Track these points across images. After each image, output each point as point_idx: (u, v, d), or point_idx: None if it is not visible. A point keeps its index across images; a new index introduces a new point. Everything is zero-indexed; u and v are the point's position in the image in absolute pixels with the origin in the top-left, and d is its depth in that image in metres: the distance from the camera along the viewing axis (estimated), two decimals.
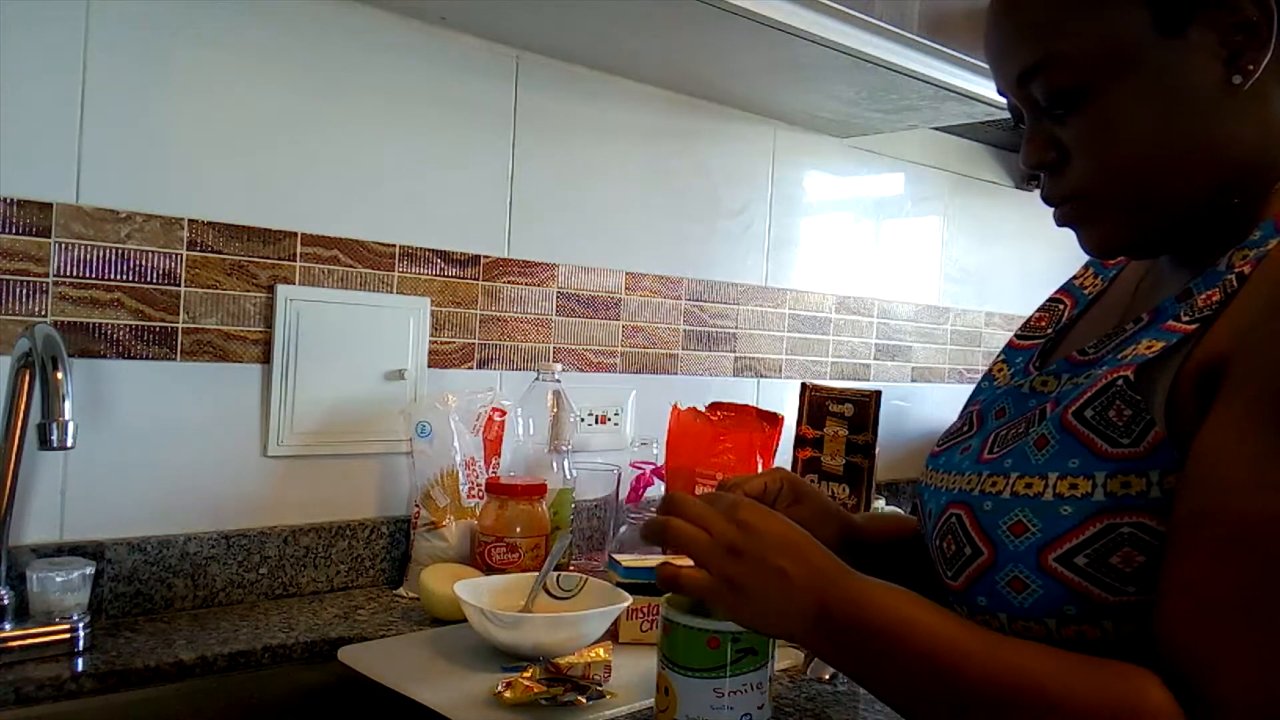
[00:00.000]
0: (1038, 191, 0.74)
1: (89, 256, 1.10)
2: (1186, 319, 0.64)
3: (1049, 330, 0.86)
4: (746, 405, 1.27)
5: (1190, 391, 0.62)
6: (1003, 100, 0.76)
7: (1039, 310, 0.90)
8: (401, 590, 1.29)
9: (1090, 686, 0.59)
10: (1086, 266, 0.89)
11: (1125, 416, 0.64)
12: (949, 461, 0.78)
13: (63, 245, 1.09)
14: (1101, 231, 0.71)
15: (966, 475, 0.73)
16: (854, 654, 0.67)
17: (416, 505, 1.31)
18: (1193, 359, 0.62)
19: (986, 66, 0.77)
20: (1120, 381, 0.64)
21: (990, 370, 0.88)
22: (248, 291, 1.22)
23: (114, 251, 1.12)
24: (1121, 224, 0.70)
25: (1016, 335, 0.88)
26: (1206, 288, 0.65)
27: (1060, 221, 0.73)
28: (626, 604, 1.07)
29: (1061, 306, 0.88)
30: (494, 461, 1.37)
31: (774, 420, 1.24)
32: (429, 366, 1.38)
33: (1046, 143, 0.70)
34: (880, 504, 1.60)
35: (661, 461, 1.50)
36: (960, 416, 0.86)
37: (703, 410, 1.28)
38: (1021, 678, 0.61)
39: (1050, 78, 0.67)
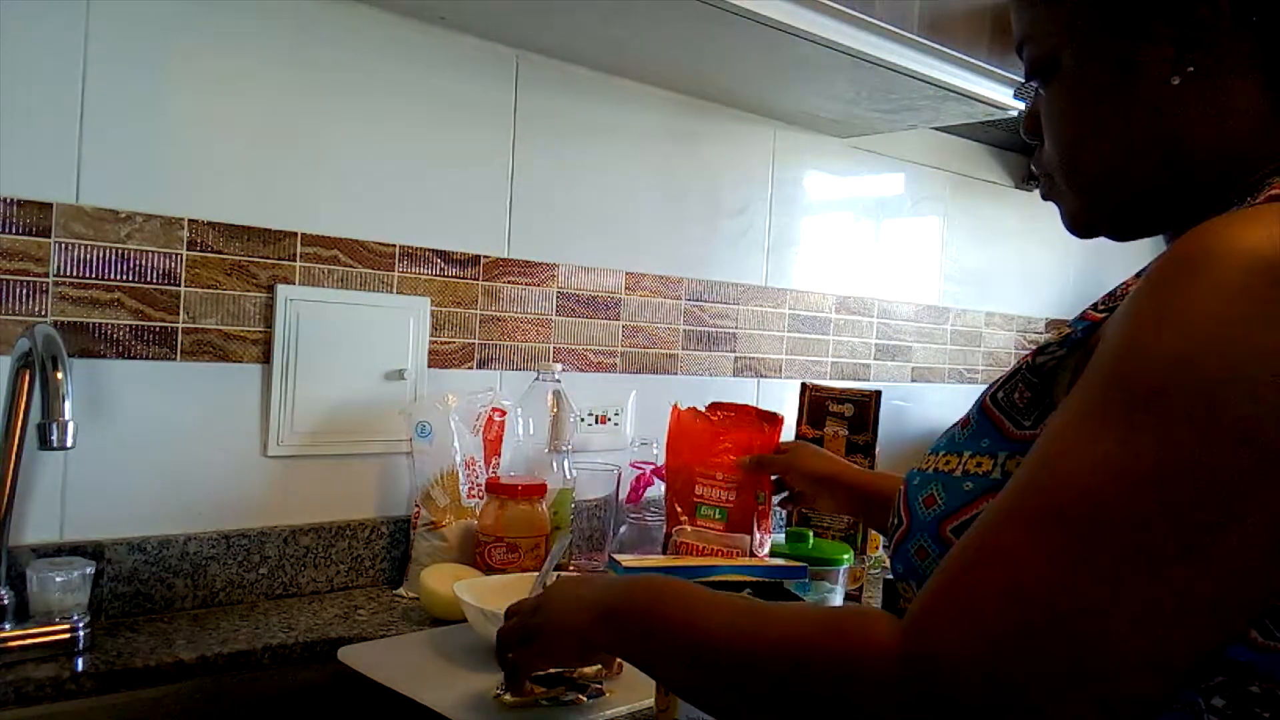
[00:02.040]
0: (1037, 191, 0.76)
1: (89, 256, 1.10)
2: (1102, 308, 0.67)
3: (1060, 352, 0.87)
4: (746, 405, 1.28)
5: (1078, 371, 0.62)
6: (1003, 100, 0.78)
7: (1056, 331, 0.92)
8: (401, 590, 1.29)
9: (821, 619, 0.60)
10: (1137, 275, 0.89)
11: (1025, 399, 0.66)
12: (931, 449, 0.82)
13: (63, 245, 1.09)
14: (1067, 207, 0.74)
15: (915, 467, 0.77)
16: (630, 641, 0.72)
17: (416, 505, 1.31)
18: (1090, 341, 0.64)
19: (987, 66, 0.79)
20: (1024, 366, 0.68)
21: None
22: (248, 291, 1.22)
23: (114, 251, 1.12)
24: (1082, 204, 0.73)
25: (1035, 360, 0.89)
26: (1135, 278, 0.67)
27: (1043, 196, 0.77)
28: None
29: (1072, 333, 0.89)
30: (494, 461, 1.37)
31: (774, 420, 1.25)
32: (429, 366, 1.38)
33: (1030, 114, 0.75)
34: None
35: (662, 461, 1.50)
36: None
37: (703, 410, 1.28)
38: (759, 629, 0.62)
39: (1028, 52, 0.72)
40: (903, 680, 0.53)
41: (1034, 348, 0.70)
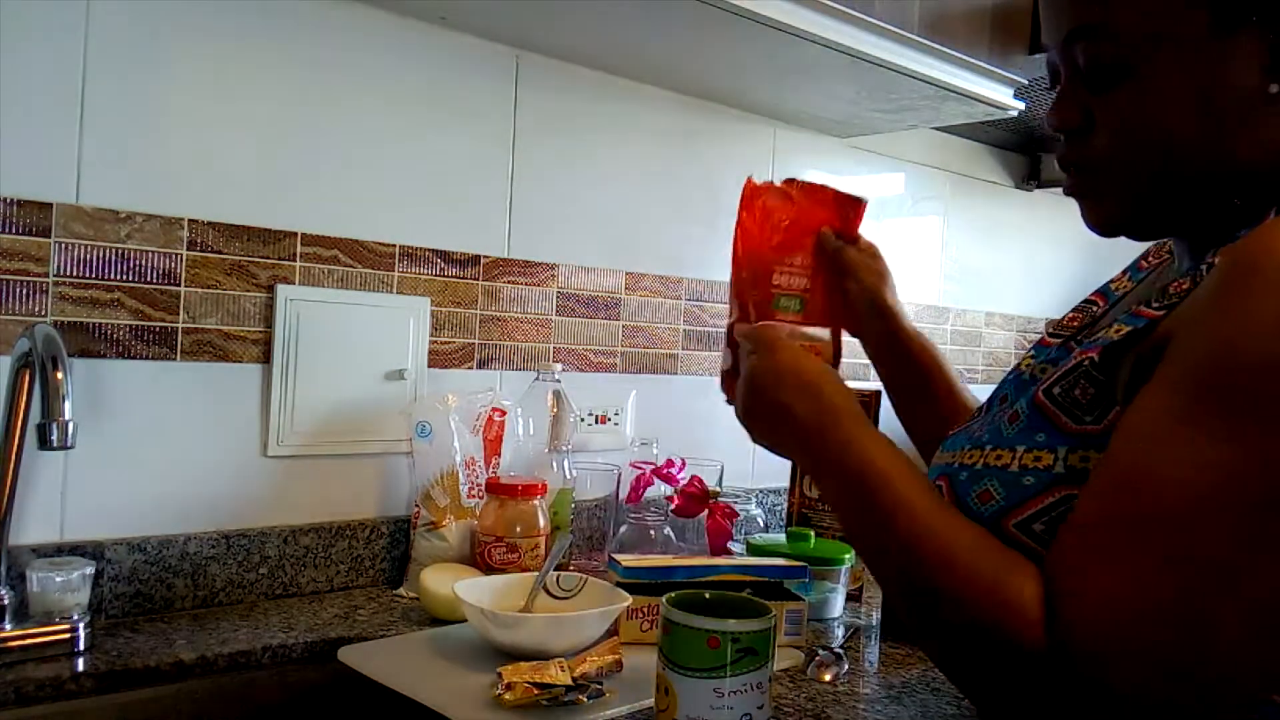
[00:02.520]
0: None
1: (89, 256, 1.10)
2: (1156, 305, 0.67)
3: (1077, 329, 0.87)
4: (825, 185, 1.09)
5: (1143, 368, 0.64)
6: (1003, 100, 0.77)
7: (1073, 310, 0.91)
8: (401, 590, 1.29)
9: (985, 563, 0.64)
10: (1124, 271, 0.90)
11: (1089, 395, 0.67)
12: (951, 442, 0.82)
13: (63, 245, 1.09)
14: (1105, 208, 0.73)
15: (954, 451, 0.77)
16: (832, 489, 0.75)
17: (416, 505, 1.31)
18: (1149, 340, 0.64)
19: (987, 66, 0.78)
20: (1086, 362, 0.67)
21: (1018, 365, 0.89)
22: (248, 291, 1.22)
23: (114, 251, 1.12)
24: (1126, 203, 0.72)
25: (1048, 333, 0.90)
26: (1182, 277, 0.67)
27: (1068, 190, 0.75)
28: (626, 604, 1.07)
29: (1095, 308, 0.89)
30: (494, 461, 1.37)
31: (857, 206, 1.09)
32: (429, 366, 1.38)
33: (1075, 106, 0.71)
34: None
35: (662, 461, 1.50)
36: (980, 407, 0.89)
37: (779, 185, 1.07)
38: (940, 540, 0.66)
39: (1097, 46, 0.68)
40: (1046, 654, 0.59)
41: (1062, 336, 0.72)
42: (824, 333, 1.01)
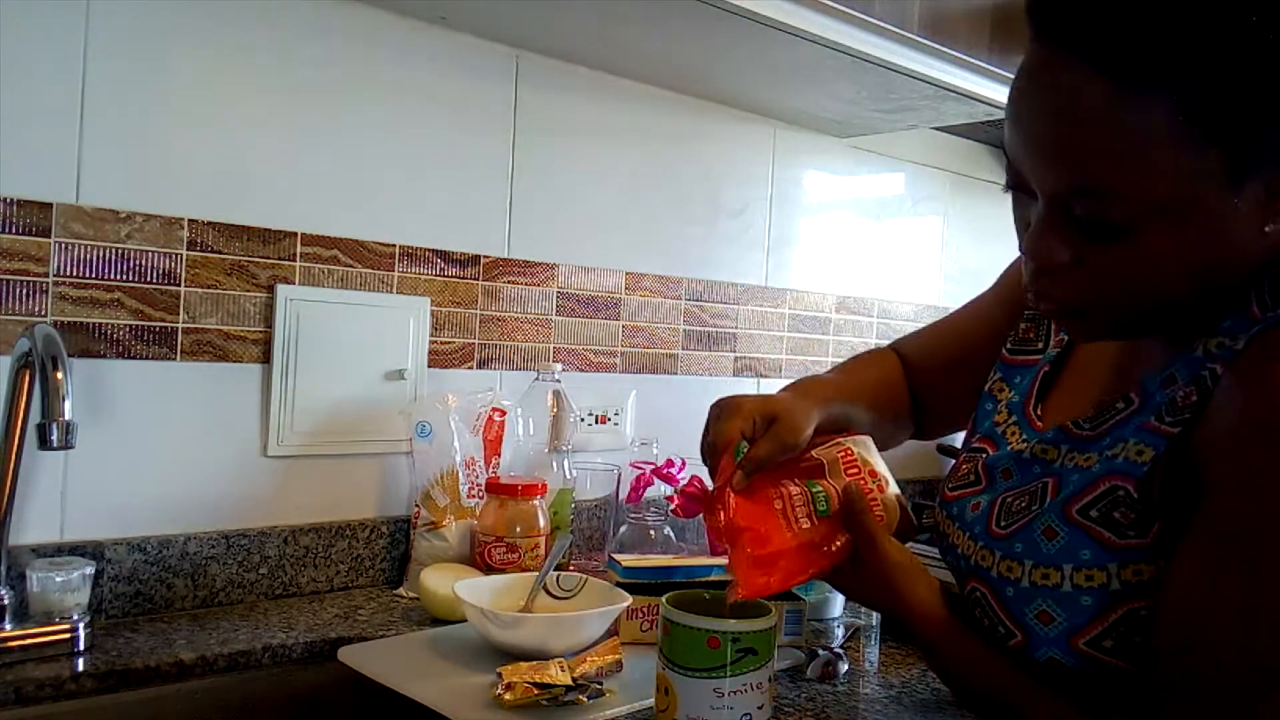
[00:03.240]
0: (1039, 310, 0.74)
1: (89, 256, 1.10)
2: (1170, 420, 0.67)
3: (1039, 344, 0.87)
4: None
5: (1178, 493, 0.66)
6: (1003, 99, 0.76)
7: (1024, 321, 0.91)
8: (401, 590, 1.29)
9: None
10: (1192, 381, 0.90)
11: (1130, 518, 0.68)
12: (961, 516, 0.82)
13: (63, 245, 1.09)
14: (1083, 332, 0.74)
15: (980, 548, 0.78)
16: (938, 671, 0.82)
17: (416, 505, 1.31)
18: (1178, 463, 0.66)
19: (987, 66, 0.76)
20: (1122, 493, 0.68)
21: (990, 389, 0.89)
22: (248, 291, 1.22)
23: (114, 251, 1.12)
24: (1106, 332, 0.73)
25: (1007, 348, 0.89)
26: (1186, 379, 0.68)
27: (1038, 303, 0.71)
28: (626, 604, 1.07)
29: (1048, 320, 0.89)
30: (494, 461, 1.37)
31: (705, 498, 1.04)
32: (429, 366, 1.38)
33: (1063, 245, 0.66)
34: None
35: (662, 461, 1.50)
36: (965, 452, 0.88)
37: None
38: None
39: (1103, 208, 0.63)
40: None
41: (1114, 463, 0.70)
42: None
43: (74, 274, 1.10)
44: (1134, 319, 0.69)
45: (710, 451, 0.86)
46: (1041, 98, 0.64)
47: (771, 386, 1.84)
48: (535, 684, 0.91)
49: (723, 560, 1.22)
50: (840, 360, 1.95)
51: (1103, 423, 0.73)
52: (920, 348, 1.05)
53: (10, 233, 1.05)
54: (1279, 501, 0.60)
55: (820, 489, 0.83)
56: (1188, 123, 0.59)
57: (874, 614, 1.32)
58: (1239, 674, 0.60)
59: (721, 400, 0.89)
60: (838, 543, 0.81)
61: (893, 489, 0.86)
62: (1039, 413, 0.82)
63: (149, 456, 1.15)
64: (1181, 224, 0.62)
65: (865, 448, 0.89)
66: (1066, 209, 0.65)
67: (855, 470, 0.86)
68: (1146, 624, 0.67)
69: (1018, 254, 0.72)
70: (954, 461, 0.92)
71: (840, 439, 0.90)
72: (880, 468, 0.87)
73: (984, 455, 0.84)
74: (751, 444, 0.84)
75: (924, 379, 1.02)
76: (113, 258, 1.12)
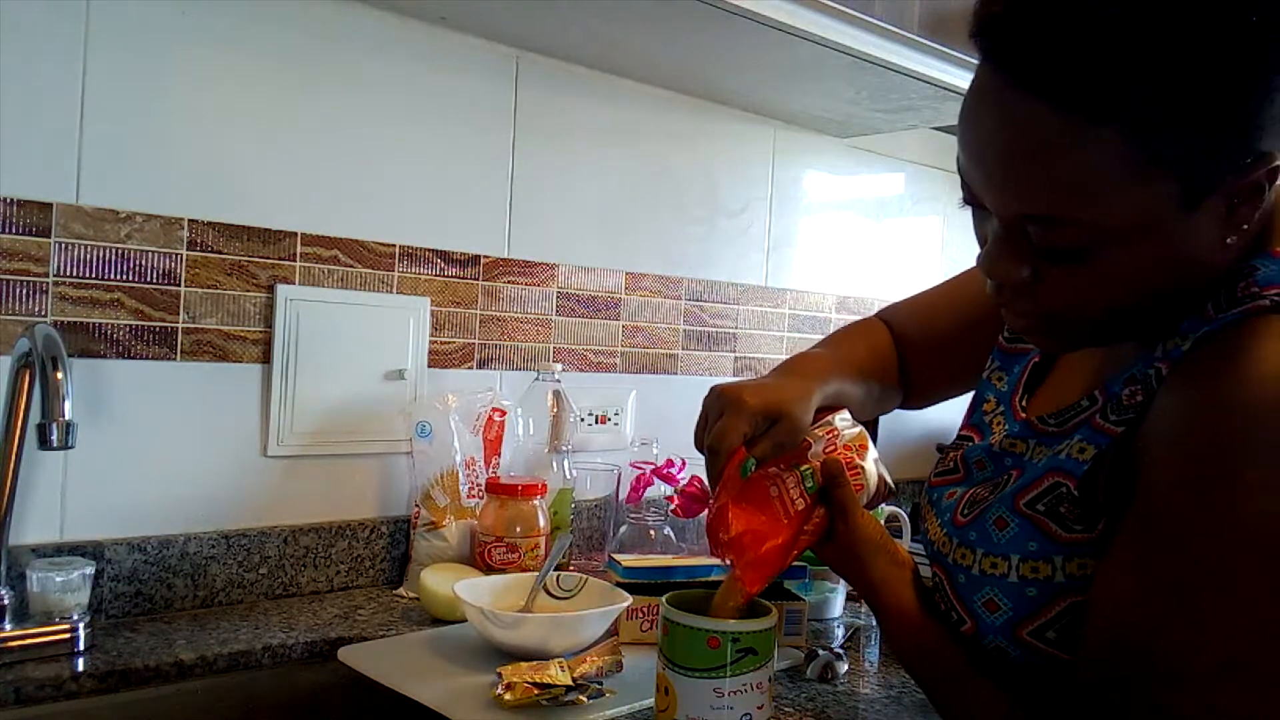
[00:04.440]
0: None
1: (89, 256, 1.10)
2: (1114, 418, 0.68)
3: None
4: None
5: (1120, 492, 0.66)
6: None
7: None
8: (401, 590, 1.29)
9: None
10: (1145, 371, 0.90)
11: (1075, 513, 0.69)
12: (939, 504, 0.84)
13: (63, 245, 1.09)
14: (1050, 344, 0.75)
15: (944, 535, 0.79)
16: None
17: (416, 505, 1.31)
18: (1118, 459, 0.66)
19: None
20: (1064, 489, 0.69)
21: (988, 376, 0.89)
22: (248, 291, 1.22)
23: (114, 251, 1.12)
24: (1076, 340, 0.73)
25: (1004, 336, 0.89)
26: (1131, 384, 0.68)
27: (1004, 315, 0.72)
28: (626, 604, 1.07)
29: None
30: (494, 461, 1.37)
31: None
32: (429, 366, 1.38)
33: (1020, 262, 0.66)
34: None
35: (662, 461, 1.50)
36: (955, 439, 0.89)
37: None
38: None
39: (1059, 234, 0.63)
40: None
41: (1058, 461, 0.71)
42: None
43: (74, 274, 1.10)
44: (1099, 332, 0.69)
45: (711, 453, 0.85)
46: (992, 126, 0.63)
47: None
48: (535, 684, 0.91)
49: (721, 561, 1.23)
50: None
51: (1067, 420, 0.74)
52: (910, 317, 1.04)
53: (10, 233, 1.06)
54: (1206, 500, 0.59)
55: (807, 467, 0.85)
56: (1140, 152, 0.59)
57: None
58: (1150, 663, 0.60)
59: (722, 392, 0.88)
60: (818, 516, 0.83)
61: (871, 455, 0.88)
62: (1024, 405, 0.83)
63: (149, 456, 1.15)
64: (1138, 246, 0.62)
65: (846, 421, 0.91)
66: (1022, 231, 0.64)
67: (832, 447, 0.87)
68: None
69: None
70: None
71: (827, 418, 0.90)
72: (855, 436, 0.88)
73: (966, 445, 0.86)
74: (751, 442, 0.84)
75: (913, 349, 1.02)
76: (113, 258, 1.12)
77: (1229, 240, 0.63)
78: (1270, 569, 0.57)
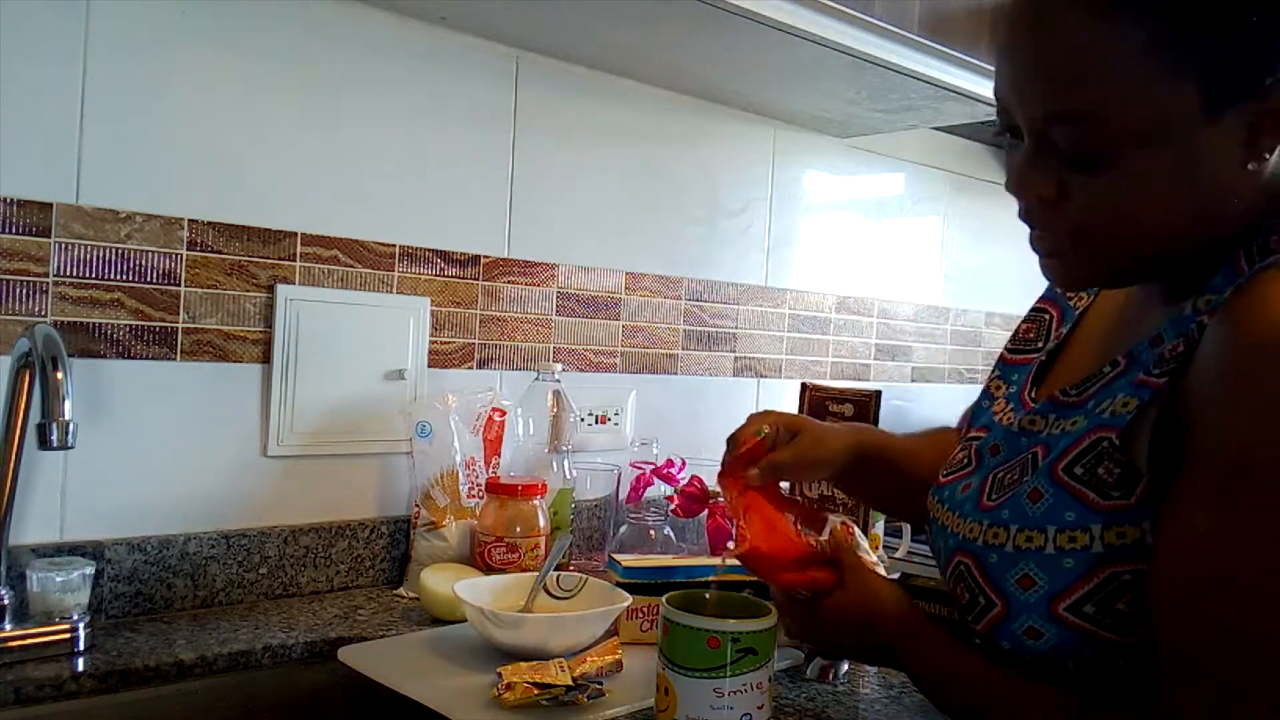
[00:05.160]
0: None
1: (89, 256, 1.10)
2: (1157, 372, 0.67)
3: (1039, 344, 0.87)
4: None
5: (1166, 446, 0.65)
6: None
7: (1025, 321, 0.91)
8: (401, 590, 1.29)
9: None
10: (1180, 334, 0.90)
11: (1115, 474, 0.67)
12: (952, 499, 0.82)
13: (63, 245, 1.09)
14: (1073, 271, 0.73)
15: (969, 522, 0.77)
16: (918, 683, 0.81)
17: (416, 505, 1.31)
18: (1166, 415, 0.65)
19: (987, 66, 0.78)
20: (1106, 443, 0.68)
21: (988, 387, 0.89)
22: (248, 291, 1.22)
23: (114, 251, 1.12)
24: (1099, 267, 0.72)
25: (1007, 349, 0.90)
26: (1174, 335, 0.67)
27: (1033, 245, 0.74)
28: (626, 604, 1.07)
29: (1047, 316, 0.89)
30: (494, 461, 1.37)
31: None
32: (429, 366, 1.38)
33: (1049, 179, 0.68)
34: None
35: (662, 461, 1.50)
36: (961, 443, 0.88)
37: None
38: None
39: (1083, 133, 0.65)
40: None
41: (1101, 418, 0.71)
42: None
43: (74, 274, 1.10)
44: (1124, 261, 0.69)
45: (728, 444, 0.89)
46: (1024, 21, 0.66)
47: (771, 386, 1.84)
48: (535, 684, 0.91)
49: (721, 561, 1.23)
50: (838, 360, 1.96)
51: (1089, 387, 0.73)
52: None
53: (10, 233, 1.06)
54: (1267, 427, 0.58)
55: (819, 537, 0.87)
56: (1163, 49, 0.61)
57: None
58: (1250, 640, 0.58)
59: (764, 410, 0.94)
60: (824, 572, 0.84)
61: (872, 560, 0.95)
62: (1033, 395, 0.82)
63: (149, 456, 1.15)
64: (1159, 154, 0.64)
65: (856, 535, 0.98)
66: (1049, 141, 0.66)
67: (848, 532, 0.92)
68: (1129, 588, 0.66)
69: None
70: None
71: (847, 520, 0.96)
72: (868, 552, 0.96)
73: (977, 441, 0.85)
74: (773, 448, 0.87)
75: None
76: (113, 258, 1.12)
77: (1250, 166, 0.64)
78: None
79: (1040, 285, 0.87)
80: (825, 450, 0.91)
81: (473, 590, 1.07)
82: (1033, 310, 0.91)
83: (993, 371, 0.90)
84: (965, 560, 0.76)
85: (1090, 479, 0.68)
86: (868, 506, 1.10)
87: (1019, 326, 0.91)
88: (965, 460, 0.85)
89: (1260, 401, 0.59)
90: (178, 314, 1.16)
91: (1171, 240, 0.67)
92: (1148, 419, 0.66)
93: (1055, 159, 0.67)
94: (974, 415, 0.90)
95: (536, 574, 1.13)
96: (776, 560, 0.82)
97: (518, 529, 1.25)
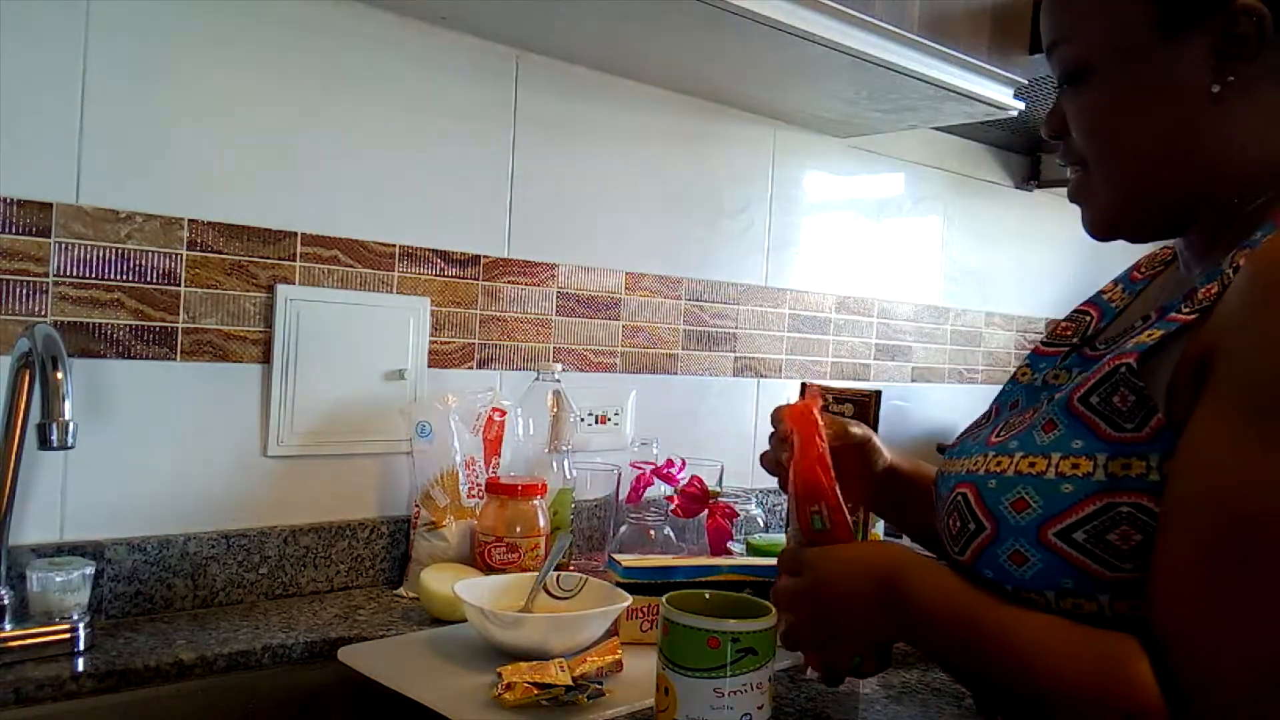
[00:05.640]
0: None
1: (89, 256, 1.10)
2: (1187, 310, 0.67)
3: (1074, 339, 0.88)
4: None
5: (1187, 379, 0.64)
6: (1003, 100, 0.81)
7: (1065, 320, 0.92)
8: (401, 590, 1.29)
9: (1083, 659, 0.64)
10: (1115, 282, 0.91)
11: (1129, 402, 0.67)
12: (962, 448, 0.83)
13: (63, 245, 1.09)
14: (1096, 210, 0.77)
15: (974, 457, 0.78)
16: (915, 638, 0.79)
17: (416, 505, 1.31)
18: (1189, 348, 0.65)
19: (987, 66, 0.83)
20: (1123, 368, 0.68)
21: (1015, 375, 0.90)
22: (248, 291, 1.22)
23: (114, 251, 1.12)
24: (1114, 205, 0.76)
25: (1042, 342, 0.91)
26: (1208, 282, 0.68)
27: (1070, 196, 0.79)
28: (626, 604, 1.07)
29: (1088, 319, 0.90)
30: (494, 461, 1.37)
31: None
32: (429, 366, 1.38)
33: (1057, 112, 0.77)
34: None
35: (662, 461, 1.50)
36: (983, 414, 0.91)
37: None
38: (1026, 653, 0.68)
39: (1065, 55, 0.74)
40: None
41: (1060, 346, 0.73)
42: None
43: (74, 274, 1.10)
44: (1129, 188, 0.73)
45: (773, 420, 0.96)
46: None
47: (771, 386, 1.84)
48: (535, 684, 0.91)
49: (722, 561, 1.23)
50: (838, 360, 1.96)
51: (1116, 340, 0.76)
52: None
53: (10, 233, 1.06)
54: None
55: (818, 509, 0.86)
56: None
57: None
58: (1263, 550, 0.58)
59: None
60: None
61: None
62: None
63: (149, 456, 1.15)
64: (1126, 70, 0.71)
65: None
66: (1056, 76, 0.76)
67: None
68: (1125, 520, 0.65)
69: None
70: None
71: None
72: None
73: (998, 402, 0.88)
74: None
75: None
76: (113, 258, 1.12)
77: (1214, 89, 0.67)
78: None
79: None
80: (879, 454, 1.00)
81: (473, 590, 1.07)
82: (1075, 310, 0.92)
83: (1021, 362, 0.91)
84: (964, 490, 0.76)
85: (1105, 407, 0.68)
86: (899, 530, 1.10)
87: (1058, 324, 0.92)
88: (983, 418, 0.87)
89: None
90: (178, 314, 1.16)
91: (1160, 170, 0.71)
92: (1171, 353, 0.66)
93: (1059, 94, 0.76)
94: (997, 397, 0.91)
95: (536, 574, 1.13)
96: (819, 485, 0.85)
97: (518, 529, 1.25)
